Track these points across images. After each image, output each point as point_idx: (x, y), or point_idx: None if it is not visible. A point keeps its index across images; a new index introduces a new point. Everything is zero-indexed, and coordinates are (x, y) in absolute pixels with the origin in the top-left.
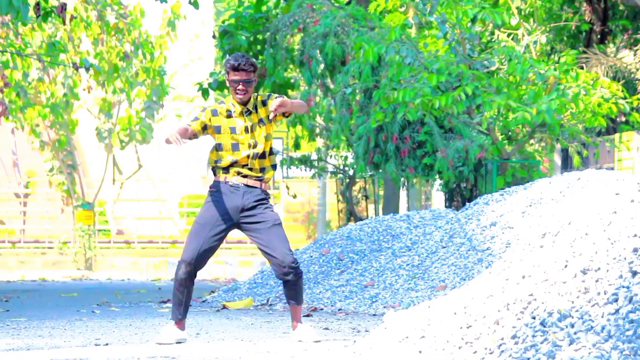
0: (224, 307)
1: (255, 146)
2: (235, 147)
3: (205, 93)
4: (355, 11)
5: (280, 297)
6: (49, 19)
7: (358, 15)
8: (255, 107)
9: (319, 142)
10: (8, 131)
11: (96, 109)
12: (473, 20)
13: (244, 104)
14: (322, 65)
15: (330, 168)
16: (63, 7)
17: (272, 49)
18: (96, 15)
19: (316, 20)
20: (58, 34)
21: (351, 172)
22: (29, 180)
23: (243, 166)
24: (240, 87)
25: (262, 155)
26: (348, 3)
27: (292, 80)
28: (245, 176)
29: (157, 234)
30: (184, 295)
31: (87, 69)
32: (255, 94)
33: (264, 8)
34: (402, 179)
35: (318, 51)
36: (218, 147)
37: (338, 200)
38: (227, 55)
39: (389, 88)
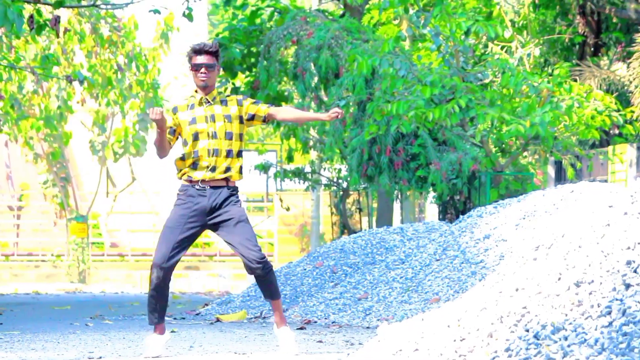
0: (218, 320)
1: (214, 136)
2: (195, 137)
3: None
4: (349, 24)
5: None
6: (43, 32)
7: (352, 27)
8: (224, 102)
9: (313, 154)
10: (1, 144)
11: (90, 122)
12: (467, 33)
13: (206, 92)
14: (315, 78)
15: (324, 180)
16: (57, 20)
17: (265, 62)
18: (90, 28)
19: (310, 32)
20: (52, 46)
21: (345, 185)
22: (22, 193)
23: (207, 167)
24: (202, 70)
25: (228, 153)
26: (342, 16)
27: (285, 93)
28: (211, 179)
29: (151, 247)
30: (157, 300)
31: (81, 82)
32: (227, 92)
33: (257, 21)
34: (396, 191)
35: (312, 64)
36: (184, 143)
37: (332, 213)
38: (221, 69)
39: (383, 100)
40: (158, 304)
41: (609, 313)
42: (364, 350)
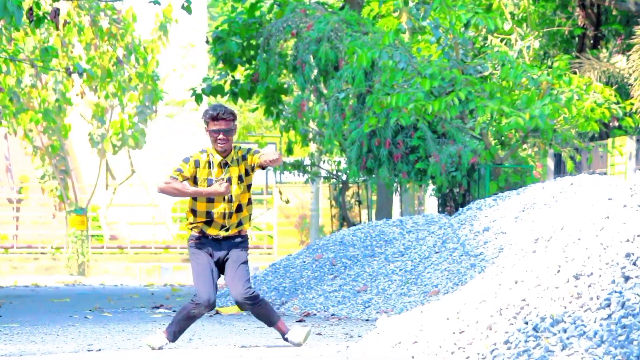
0: (217, 312)
1: (230, 200)
2: (210, 199)
3: (198, 99)
4: (349, 16)
5: (273, 303)
6: (42, 24)
7: (351, 20)
8: (237, 162)
9: (312, 147)
10: (1, 136)
11: (89, 114)
12: (466, 26)
13: (224, 154)
14: (315, 71)
15: (324, 173)
16: (56, 13)
17: (265, 54)
18: (89, 20)
19: (309, 25)
20: (51, 39)
21: (344, 177)
22: (21, 186)
23: (221, 227)
24: (220, 136)
25: (239, 209)
26: (341, 8)
27: (285, 86)
28: (224, 235)
29: (150, 239)
30: (188, 326)
31: (81, 74)
32: (237, 146)
33: (257, 13)
34: (395, 184)
35: (311, 56)
36: (194, 198)
37: (331, 206)
38: (221, 62)
39: (382, 93)
40: (188, 326)
41: (608, 305)
42: (363, 342)
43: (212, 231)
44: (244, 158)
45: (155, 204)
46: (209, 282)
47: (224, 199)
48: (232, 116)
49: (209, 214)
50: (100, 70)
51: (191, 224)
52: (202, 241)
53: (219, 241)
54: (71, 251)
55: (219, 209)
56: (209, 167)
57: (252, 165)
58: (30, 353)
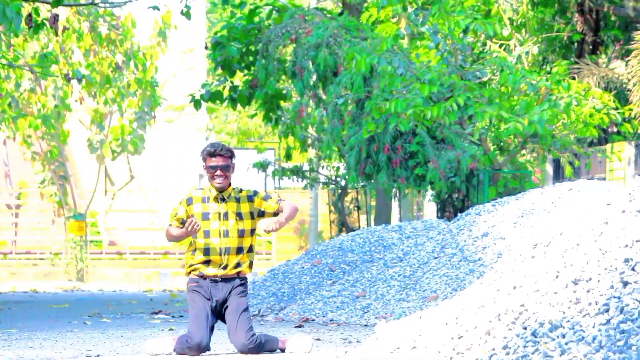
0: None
1: (226, 235)
2: (206, 234)
3: (197, 104)
4: (348, 22)
5: (272, 308)
6: (42, 30)
7: (350, 26)
8: (237, 199)
9: (311, 152)
10: (0, 142)
11: (88, 120)
12: (465, 31)
13: (221, 190)
14: (314, 76)
15: (322, 179)
16: (55, 19)
17: (264, 60)
18: (88, 26)
19: (308, 31)
20: (50, 45)
21: (343, 183)
22: (20, 192)
23: (219, 266)
24: (218, 172)
25: (239, 250)
26: (340, 14)
27: (284, 91)
28: (223, 275)
29: (149, 245)
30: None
31: (80, 80)
32: (239, 187)
33: (256, 19)
34: (394, 189)
35: (310, 62)
36: (193, 235)
37: (330, 211)
38: (220, 68)
39: (381, 99)
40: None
41: (607, 311)
42: (362, 348)
43: (210, 271)
44: (249, 199)
45: (154, 210)
46: (204, 327)
47: (219, 233)
48: (230, 153)
49: (206, 251)
50: (99, 76)
51: (190, 266)
52: (200, 284)
53: (217, 282)
54: (70, 257)
55: (215, 244)
56: (205, 202)
57: (261, 210)
58: (28, 359)
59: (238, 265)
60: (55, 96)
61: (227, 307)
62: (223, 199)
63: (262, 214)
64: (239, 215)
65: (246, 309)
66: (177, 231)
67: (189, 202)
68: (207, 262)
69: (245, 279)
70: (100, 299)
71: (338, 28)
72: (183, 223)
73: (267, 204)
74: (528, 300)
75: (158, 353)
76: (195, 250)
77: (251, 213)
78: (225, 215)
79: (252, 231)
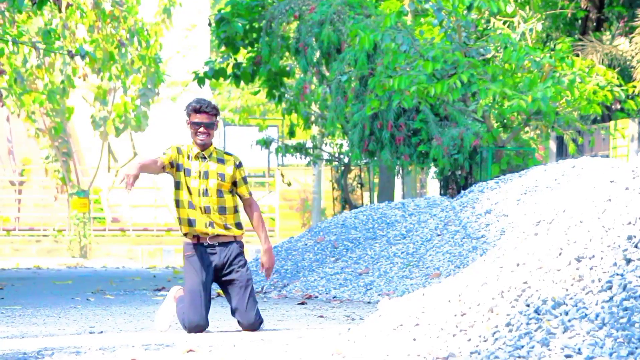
0: (219, 295)
1: (205, 194)
2: (188, 191)
3: (201, 81)
4: None
5: (275, 285)
6: (44, 6)
7: (354, 2)
8: (221, 161)
9: (314, 129)
10: (3, 118)
11: (91, 97)
12: (469, 8)
13: (202, 148)
14: (317, 53)
15: (326, 156)
16: None
17: (267, 37)
18: (92, 2)
19: (312, 7)
20: (54, 21)
21: (346, 160)
22: (24, 168)
23: (205, 225)
24: (201, 129)
25: (221, 210)
26: None
27: (287, 68)
28: (216, 235)
29: (152, 222)
30: None
31: (83, 57)
32: (222, 149)
33: None
34: (397, 166)
35: (314, 39)
36: (176, 185)
37: (333, 188)
38: (223, 45)
39: (385, 76)
40: None
41: (610, 288)
42: (364, 325)
43: (199, 229)
44: (237, 166)
45: (158, 187)
46: (199, 306)
47: (199, 192)
48: (215, 110)
49: (190, 204)
50: (103, 52)
51: (181, 224)
52: (197, 250)
53: (214, 247)
54: (73, 234)
55: (196, 202)
56: (188, 159)
57: (235, 181)
58: (32, 335)
59: (226, 227)
60: (63, 71)
61: (232, 279)
62: (204, 157)
63: (235, 185)
64: (221, 176)
65: (251, 284)
66: (147, 162)
67: (179, 151)
68: (191, 223)
69: (242, 244)
70: (103, 276)
71: (342, 5)
72: (171, 164)
73: (243, 186)
74: (531, 278)
75: (168, 327)
76: (178, 202)
77: (234, 181)
78: (206, 174)
79: (232, 192)
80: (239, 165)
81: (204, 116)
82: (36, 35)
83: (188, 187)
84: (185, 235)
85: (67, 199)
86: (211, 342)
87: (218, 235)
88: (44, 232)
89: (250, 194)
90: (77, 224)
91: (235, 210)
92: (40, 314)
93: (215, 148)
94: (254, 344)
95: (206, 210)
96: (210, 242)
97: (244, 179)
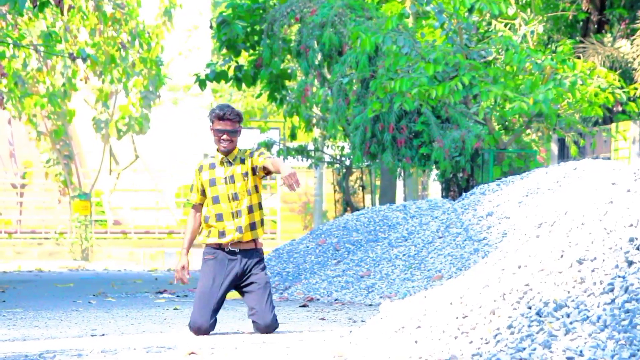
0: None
1: (235, 198)
2: (215, 200)
3: (202, 84)
4: (353, 1)
5: (277, 288)
6: (46, 9)
7: (355, 5)
8: (242, 160)
9: (316, 132)
10: (5, 121)
11: (93, 100)
12: (470, 10)
13: (227, 154)
14: (319, 56)
15: (327, 158)
16: None
17: (269, 39)
18: (93, 5)
19: (313, 10)
20: (57, 24)
21: (348, 162)
22: (25, 171)
23: (235, 230)
24: (224, 136)
25: (250, 210)
26: None
27: (289, 71)
28: (239, 241)
29: (154, 225)
30: None
31: (84, 60)
32: (243, 148)
33: None
34: (399, 169)
35: (315, 41)
36: (205, 203)
37: (335, 191)
38: (224, 48)
39: (386, 78)
40: None
41: (612, 290)
42: (366, 327)
43: (226, 239)
44: (251, 155)
45: (159, 189)
46: (206, 309)
47: (228, 197)
48: (238, 117)
49: (218, 216)
50: (105, 55)
51: (206, 233)
52: (217, 255)
53: (235, 254)
54: (75, 236)
55: (225, 209)
56: (212, 168)
57: (254, 167)
58: (33, 338)
59: (253, 226)
60: (64, 74)
61: (251, 282)
62: (229, 162)
63: (255, 170)
64: (245, 175)
65: (270, 287)
66: (190, 239)
67: (200, 170)
68: (222, 233)
69: (262, 252)
70: (105, 279)
71: (343, 7)
72: (203, 193)
73: (256, 159)
74: (533, 280)
75: None
76: (207, 217)
77: (253, 169)
78: (232, 178)
79: (256, 187)
80: (252, 153)
81: (227, 123)
82: (38, 39)
83: (212, 198)
84: (206, 241)
85: (68, 202)
86: (213, 345)
87: (240, 242)
88: (45, 234)
89: (267, 157)
90: (79, 226)
91: (260, 207)
92: (42, 317)
93: (239, 150)
94: (255, 346)
95: (237, 215)
96: (232, 248)
97: (261, 154)
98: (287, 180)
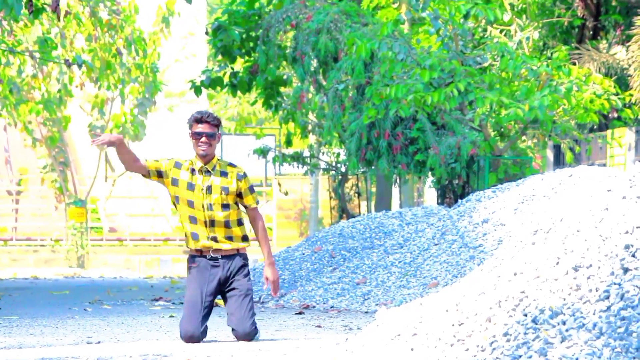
0: (216, 304)
1: (209, 208)
2: (190, 204)
3: (197, 91)
4: (348, 7)
5: (272, 295)
6: (41, 15)
7: (351, 11)
8: (224, 174)
9: (312, 138)
10: (0, 128)
11: (88, 106)
12: (466, 17)
13: (205, 161)
14: (314, 62)
15: (323, 165)
16: (57, 4)
17: (264, 46)
18: (89, 11)
19: (309, 16)
20: (53, 30)
21: (343, 169)
22: (21, 178)
23: (208, 238)
24: (203, 139)
25: (227, 224)
26: None
27: (284, 77)
28: (220, 249)
29: (150, 232)
30: None
31: (80, 66)
32: (226, 161)
33: (256, 5)
34: (395, 175)
35: (311, 48)
36: (176, 200)
37: (330, 197)
38: (220, 54)
39: (382, 84)
40: None
41: (607, 297)
42: (362, 335)
43: (201, 243)
44: (239, 178)
45: (155, 196)
46: (195, 318)
47: (203, 207)
48: (217, 121)
49: (192, 219)
50: (100, 62)
51: (186, 239)
52: (199, 264)
53: (217, 260)
54: (70, 243)
55: (200, 217)
56: (192, 173)
57: (240, 192)
58: (29, 345)
59: (229, 239)
60: (59, 80)
61: (232, 288)
62: (208, 172)
63: (240, 197)
64: (225, 190)
65: (250, 291)
66: (130, 150)
67: (177, 165)
68: (195, 236)
69: (246, 257)
70: (100, 286)
71: (339, 13)
72: (159, 172)
73: (249, 196)
74: (528, 287)
75: None
76: (183, 219)
77: (239, 193)
78: (209, 189)
79: (237, 204)
80: (242, 177)
81: (205, 126)
82: (33, 45)
83: (188, 201)
84: (189, 248)
85: (64, 209)
86: (209, 352)
87: (221, 249)
88: (41, 242)
89: (257, 202)
90: (75, 233)
91: (240, 223)
92: (38, 324)
93: (219, 160)
94: (251, 353)
95: (211, 224)
96: (213, 255)
97: (250, 189)
98: (271, 284)
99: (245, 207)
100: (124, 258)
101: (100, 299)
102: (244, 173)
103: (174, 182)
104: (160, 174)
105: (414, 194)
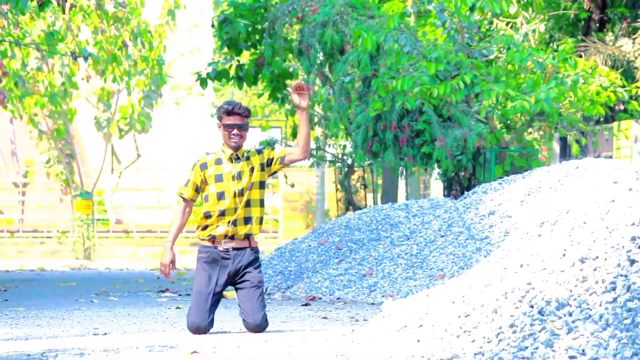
0: (223, 296)
1: (240, 194)
2: (220, 196)
3: (203, 83)
4: (354, 0)
5: (279, 287)
6: (47, 8)
7: (357, 3)
8: (248, 158)
9: (318, 131)
10: (6, 120)
11: (95, 98)
12: (472, 9)
13: (236, 149)
14: (320, 54)
15: (329, 157)
16: None
17: (270, 39)
18: (95, 4)
19: (315, 9)
20: (57, 23)
21: (350, 161)
22: (27, 170)
23: (229, 222)
24: (234, 131)
25: (248, 204)
26: None
27: (290, 70)
28: (232, 237)
29: (156, 223)
30: None
31: (86, 58)
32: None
33: None
34: (401, 167)
35: (317, 40)
36: (205, 198)
37: (337, 190)
38: (226, 47)
39: (388, 77)
40: None
41: (614, 289)
42: (368, 326)
43: (220, 229)
44: (259, 152)
45: (161, 188)
46: (203, 309)
47: (234, 194)
48: (247, 112)
49: (221, 211)
50: (106, 54)
51: (203, 228)
52: (210, 254)
53: (227, 252)
54: (77, 235)
55: (229, 204)
56: (219, 164)
57: (270, 159)
58: (36, 337)
59: (248, 220)
60: (63, 73)
61: (244, 280)
62: (238, 158)
63: (270, 162)
64: (252, 170)
65: (262, 287)
66: (175, 233)
67: (203, 167)
68: (219, 227)
69: (257, 250)
70: (107, 277)
71: (345, 6)
72: (197, 189)
73: (273, 151)
74: (535, 279)
75: None
76: (208, 213)
77: (261, 165)
78: (239, 174)
79: (262, 183)
80: (261, 150)
81: (236, 118)
82: (38, 38)
83: (219, 193)
84: (201, 239)
85: (70, 201)
86: (215, 344)
87: (233, 240)
88: (47, 233)
89: (284, 147)
90: (81, 225)
91: (261, 204)
92: (44, 316)
93: (246, 150)
94: (257, 345)
95: (233, 212)
96: (225, 247)
97: (273, 149)
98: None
99: (282, 157)
100: (130, 250)
101: (106, 291)
102: (260, 149)
103: (205, 182)
104: (198, 190)
105: (420, 186)
